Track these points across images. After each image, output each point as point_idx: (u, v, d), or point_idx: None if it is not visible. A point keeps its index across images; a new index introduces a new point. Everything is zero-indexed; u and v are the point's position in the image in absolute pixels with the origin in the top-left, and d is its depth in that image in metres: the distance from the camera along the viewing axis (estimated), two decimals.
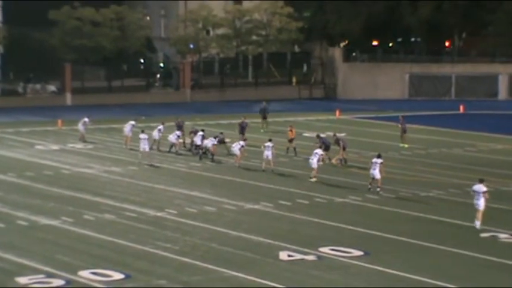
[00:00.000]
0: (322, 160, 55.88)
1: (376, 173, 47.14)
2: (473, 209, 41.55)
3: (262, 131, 70.63)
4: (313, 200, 48.21)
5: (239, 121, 68.75)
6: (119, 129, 71.48)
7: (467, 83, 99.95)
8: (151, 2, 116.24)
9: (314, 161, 52.69)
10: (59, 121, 77.65)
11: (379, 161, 47.99)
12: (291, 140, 63.01)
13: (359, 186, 51.76)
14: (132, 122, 66.94)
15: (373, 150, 59.75)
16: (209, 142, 60.15)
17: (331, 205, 47.27)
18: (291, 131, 63.57)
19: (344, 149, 59.34)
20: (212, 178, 55.43)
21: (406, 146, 65.18)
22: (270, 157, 55.16)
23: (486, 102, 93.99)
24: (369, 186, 47.60)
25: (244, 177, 55.44)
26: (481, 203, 40.90)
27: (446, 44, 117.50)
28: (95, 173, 57.62)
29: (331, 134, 64.25)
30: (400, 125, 66.59)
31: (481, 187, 41.15)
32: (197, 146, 62.53)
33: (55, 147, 66.39)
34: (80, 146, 67.05)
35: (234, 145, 57.68)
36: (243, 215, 44.96)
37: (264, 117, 74.42)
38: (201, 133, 62.04)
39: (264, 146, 57.48)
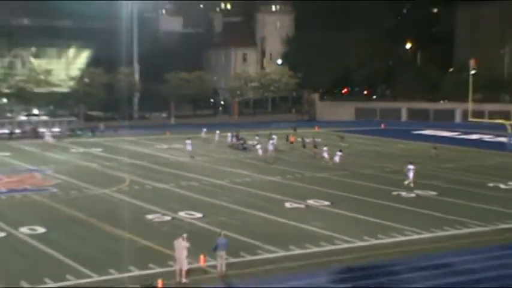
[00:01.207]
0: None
1: (411, 175, 52.20)
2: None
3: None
4: (299, 175, 60.18)
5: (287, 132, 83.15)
6: (198, 137, 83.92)
7: (385, 112, 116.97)
8: (217, 69, 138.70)
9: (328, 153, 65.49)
10: (167, 133, 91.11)
11: (412, 167, 52.92)
12: (291, 142, 78.70)
13: (322, 166, 64.50)
14: (218, 132, 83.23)
15: (335, 147, 70.65)
16: (270, 145, 71.30)
17: (310, 178, 59.32)
18: (293, 136, 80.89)
19: (316, 147, 72.01)
20: (254, 164, 68.29)
21: (346, 145, 75.38)
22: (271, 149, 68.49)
23: (395, 122, 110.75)
24: (405, 183, 52.34)
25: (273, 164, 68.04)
26: (411, 175, 52.62)
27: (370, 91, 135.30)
28: (187, 160, 68.99)
29: (312, 139, 78.17)
30: (340, 137, 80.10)
31: (410, 166, 52.77)
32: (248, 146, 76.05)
33: (165, 146, 78.30)
34: (178, 145, 77.87)
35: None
36: (265, 183, 55.62)
37: (294, 129, 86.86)
38: (272, 141, 72.69)
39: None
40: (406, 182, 52.83)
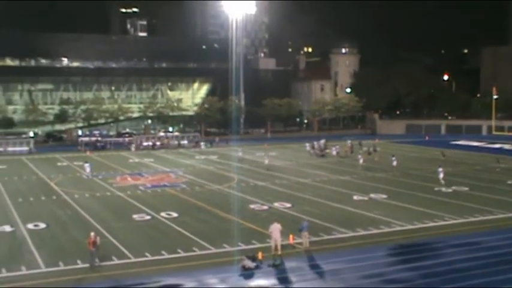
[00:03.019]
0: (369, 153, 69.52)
1: (441, 177, 51.27)
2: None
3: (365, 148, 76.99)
4: (363, 175, 59.82)
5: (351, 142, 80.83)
6: (291, 147, 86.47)
7: (429, 127, 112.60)
8: (301, 96, 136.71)
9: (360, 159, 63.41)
10: (265, 144, 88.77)
11: (441, 169, 51.96)
12: (350, 150, 75.85)
13: (380, 168, 64.10)
14: (307, 144, 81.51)
15: (389, 153, 70.58)
16: (334, 150, 73.09)
17: (371, 177, 59.16)
18: (350, 146, 78.75)
19: (370, 153, 71.23)
20: (330, 167, 67.20)
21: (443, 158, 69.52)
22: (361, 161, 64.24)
23: (436, 135, 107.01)
24: (442, 182, 50.96)
25: (341, 165, 68.36)
26: (441, 175, 51.50)
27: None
28: (280, 164, 68.34)
29: (370, 148, 75.77)
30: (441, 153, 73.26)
31: (440, 169, 52.09)
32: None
33: (263, 154, 73.81)
34: (273, 153, 76.14)
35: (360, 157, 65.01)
36: (338, 181, 55.50)
37: (360, 144, 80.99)
38: (335, 148, 73.95)
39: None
40: (442, 182, 51.88)
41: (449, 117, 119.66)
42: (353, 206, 42.44)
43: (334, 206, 42.56)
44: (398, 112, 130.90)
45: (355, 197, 45.59)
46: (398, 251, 30.79)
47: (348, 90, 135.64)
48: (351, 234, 34.05)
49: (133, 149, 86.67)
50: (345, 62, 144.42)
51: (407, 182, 53.98)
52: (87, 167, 60.23)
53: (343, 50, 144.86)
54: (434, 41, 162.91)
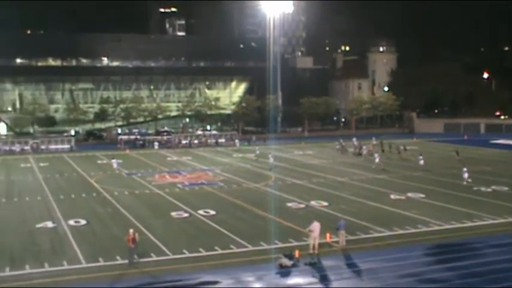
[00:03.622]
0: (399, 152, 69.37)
1: (466, 177, 50.73)
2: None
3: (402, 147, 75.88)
4: (400, 175, 59.68)
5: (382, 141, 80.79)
6: (328, 146, 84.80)
7: (468, 126, 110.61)
8: (339, 95, 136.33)
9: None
10: (303, 143, 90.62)
11: (465, 169, 51.83)
12: (370, 150, 73.59)
13: (415, 168, 62.40)
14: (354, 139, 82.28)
15: (426, 152, 71.55)
16: (365, 149, 72.93)
17: (408, 176, 59.72)
18: (372, 145, 77.81)
19: (399, 152, 71.17)
20: (367, 166, 67.29)
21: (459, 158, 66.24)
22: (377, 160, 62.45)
23: (475, 134, 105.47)
24: (469, 180, 50.61)
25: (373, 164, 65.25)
26: (466, 175, 50.69)
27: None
28: (317, 162, 68.44)
29: (408, 147, 76.62)
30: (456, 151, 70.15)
31: (464, 169, 51.75)
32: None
33: (300, 152, 77.64)
34: (310, 152, 77.68)
35: (375, 156, 63.84)
36: (374, 180, 55.09)
37: (381, 143, 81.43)
38: (365, 147, 74.28)
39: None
40: (464, 183, 51.14)
41: (503, 116, 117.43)
42: (390, 204, 42.05)
43: (371, 204, 42.14)
44: (436, 111, 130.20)
45: (392, 196, 45.13)
46: (436, 250, 30.33)
47: (386, 88, 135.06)
48: (388, 233, 33.70)
49: (156, 147, 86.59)
50: (382, 61, 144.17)
51: (445, 181, 53.15)
52: (114, 162, 63.81)
53: (381, 49, 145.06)
54: (474, 39, 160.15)
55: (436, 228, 35.05)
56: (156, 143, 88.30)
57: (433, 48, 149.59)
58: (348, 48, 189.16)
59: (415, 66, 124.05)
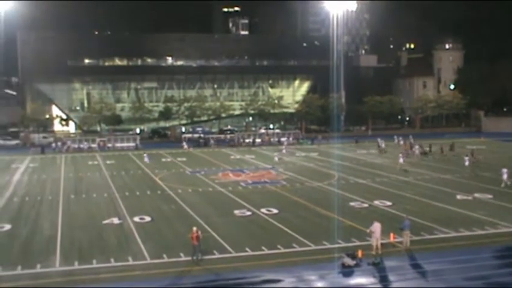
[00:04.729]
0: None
1: (505, 177, 49.38)
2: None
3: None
4: (466, 174, 59.42)
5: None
6: (392, 145, 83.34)
7: None
8: (403, 93, 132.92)
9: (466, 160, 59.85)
10: (366, 142, 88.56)
11: (505, 170, 49.79)
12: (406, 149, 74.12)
13: (481, 167, 62.55)
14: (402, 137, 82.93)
15: (488, 153, 71.64)
16: (417, 149, 72.21)
17: (475, 176, 57.95)
18: (405, 143, 78.36)
19: (473, 155, 66.05)
20: (431, 165, 68.58)
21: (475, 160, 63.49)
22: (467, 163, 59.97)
23: None
24: (508, 183, 49.04)
25: (443, 164, 67.74)
26: (505, 177, 49.13)
27: None
28: (380, 162, 68.94)
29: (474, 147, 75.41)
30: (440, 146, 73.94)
31: (504, 169, 49.45)
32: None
33: (364, 151, 77.86)
34: (373, 151, 77.04)
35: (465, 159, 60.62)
36: (439, 180, 54.55)
37: (411, 143, 79.38)
38: (417, 146, 73.07)
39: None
40: (507, 183, 49.31)
41: None
42: (456, 205, 41.37)
43: (436, 205, 41.56)
44: (505, 109, 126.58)
45: (458, 196, 44.44)
46: (504, 253, 29.58)
47: (452, 86, 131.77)
48: (454, 234, 33.14)
49: (185, 146, 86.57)
50: (448, 58, 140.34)
51: None
52: (145, 156, 67.97)
53: (447, 46, 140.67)
54: None
55: (505, 230, 34.16)
56: (212, 141, 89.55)
57: (502, 44, 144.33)
58: (412, 45, 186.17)
59: (483, 63, 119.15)
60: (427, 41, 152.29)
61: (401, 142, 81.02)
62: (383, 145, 77.85)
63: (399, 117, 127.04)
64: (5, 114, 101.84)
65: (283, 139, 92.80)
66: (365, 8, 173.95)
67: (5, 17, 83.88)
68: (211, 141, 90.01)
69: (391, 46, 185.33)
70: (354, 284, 25.49)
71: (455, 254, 29.27)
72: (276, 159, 70.35)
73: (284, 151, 76.53)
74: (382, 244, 29.80)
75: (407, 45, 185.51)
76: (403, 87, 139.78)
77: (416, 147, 71.97)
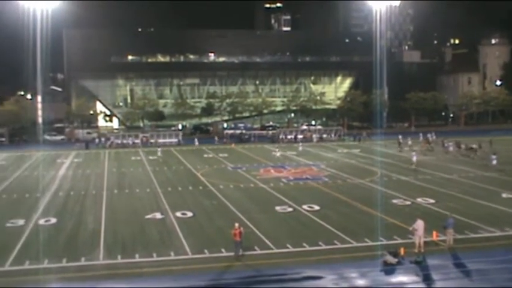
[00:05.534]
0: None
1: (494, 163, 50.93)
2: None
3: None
4: (509, 172, 60.73)
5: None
6: (436, 142, 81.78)
7: None
8: (447, 89, 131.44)
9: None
10: (409, 138, 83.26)
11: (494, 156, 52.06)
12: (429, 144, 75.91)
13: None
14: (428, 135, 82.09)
15: None
16: (451, 145, 72.29)
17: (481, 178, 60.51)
18: (425, 141, 78.28)
19: (471, 148, 68.30)
20: (476, 163, 66.90)
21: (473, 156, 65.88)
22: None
23: None
24: None
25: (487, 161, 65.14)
26: None
27: None
28: (424, 159, 67.34)
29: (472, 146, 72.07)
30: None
31: None
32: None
33: (406, 148, 75.09)
34: (415, 148, 73.70)
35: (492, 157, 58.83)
36: (484, 178, 56.05)
37: (427, 141, 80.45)
38: (451, 143, 73.12)
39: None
40: None
41: None
42: (502, 204, 40.45)
43: (480, 203, 40.84)
44: None
45: (503, 195, 43.52)
46: None
47: (498, 82, 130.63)
48: (499, 233, 32.40)
49: (222, 140, 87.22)
50: (494, 54, 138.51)
51: None
52: (159, 151, 70.20)
53: (493, 41, 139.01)
54: None
55: None
56: (246, 136, 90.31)
57: None
58: (457, 41, 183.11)
59: None
60: (472, 37, 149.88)
61: (421, 139, 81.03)
62: (430, 139, 77.60)
63: (443, 113, 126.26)
64: (51, 110, 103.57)
65: (299, 136, 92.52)
66: (409, 4, 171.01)
67: (52, 15, 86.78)
68: (253, 138, 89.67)
69: (435, 42, 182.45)
70: (396, 282, 25.16)
71: (500, 254, 28.67)
72: (278, 154, 70.29)
73: (300, 149, 76.43)
74: (424, 242, 29.40)
75: (452, 41, 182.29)
76: (447, 84, 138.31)
77: (450, 143, 71.85)
